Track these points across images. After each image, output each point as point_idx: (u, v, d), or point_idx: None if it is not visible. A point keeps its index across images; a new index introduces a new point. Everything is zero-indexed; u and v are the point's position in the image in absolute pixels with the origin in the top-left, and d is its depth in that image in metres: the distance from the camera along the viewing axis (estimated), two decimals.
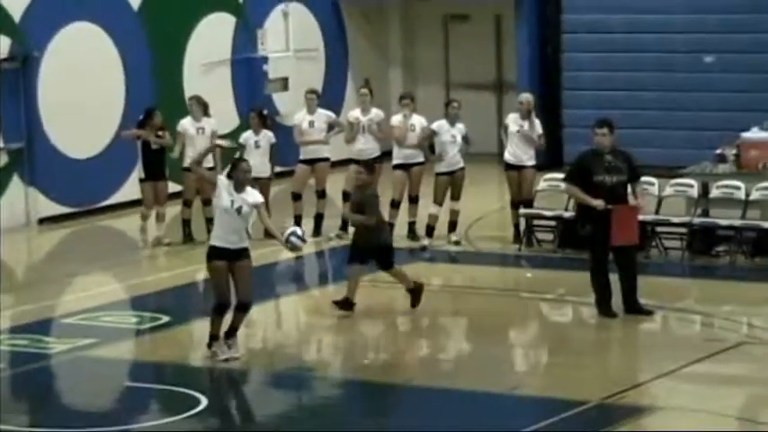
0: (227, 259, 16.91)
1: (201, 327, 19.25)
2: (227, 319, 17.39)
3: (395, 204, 23.59)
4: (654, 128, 30.22)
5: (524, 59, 32.78)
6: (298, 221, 24.07)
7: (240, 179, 17.06)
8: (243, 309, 17.24)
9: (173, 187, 25.23)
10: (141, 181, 24.82)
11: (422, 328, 20.11)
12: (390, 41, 34.99)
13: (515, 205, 24.80)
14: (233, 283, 17.19)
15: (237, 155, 22.75)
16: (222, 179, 16.95)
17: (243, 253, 17.00)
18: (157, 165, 24.65)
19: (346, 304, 18.81)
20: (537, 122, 24.91)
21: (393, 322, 20.02)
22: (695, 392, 17.08)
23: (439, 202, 24.46)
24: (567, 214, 22.71)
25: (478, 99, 32.58)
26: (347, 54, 33.51)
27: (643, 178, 21.61)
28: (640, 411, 16.48)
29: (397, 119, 24.57)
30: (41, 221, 26.84)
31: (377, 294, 20.38)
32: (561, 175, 22.72)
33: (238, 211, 16.38)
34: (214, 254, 16.81)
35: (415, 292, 18.78)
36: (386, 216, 22.16)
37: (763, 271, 23.45)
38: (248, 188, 17.68)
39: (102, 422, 16.06)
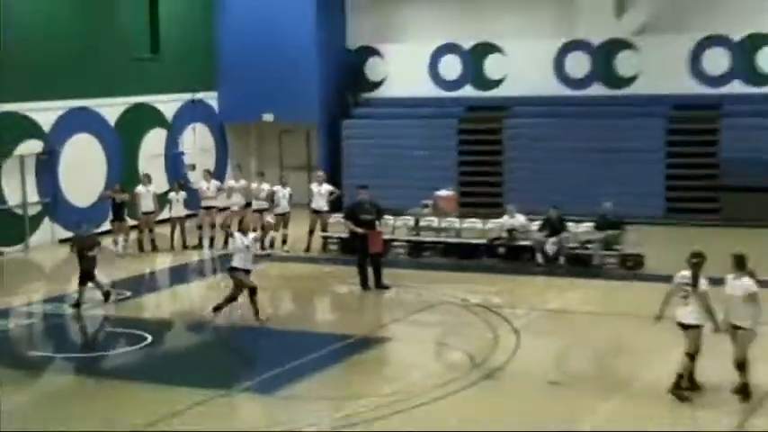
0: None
1: (151, 298, 28.79)
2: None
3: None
4: (391, 187, 36.71)
5: (323, 152, 42.64)
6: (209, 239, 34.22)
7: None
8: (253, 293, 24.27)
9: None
10: (111, 221, 34.00)
11: (267, 298, 26.60)
12: (250, 143, 44.93)
13: (311, 232, 33.89)
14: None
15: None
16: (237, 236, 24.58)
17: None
18: (120, 212, 33.80)
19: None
20: (328, 186, 34.49)
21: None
22: (410, 330, 24.86)
23: (277, 229, 33.50)
24: (345, 235, 31.30)
25: (298, 174, 41.80)
26: (227, 150, 43.56)
27: (385, 216, 30.25)
28: (383, 341, 23.60)
29: (274, 187, 33.97)
30: (60, 241, 35.37)
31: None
32: (341, 215, 30.83)
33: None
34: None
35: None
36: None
37: (448, 265, 31.75)
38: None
39: (86, 350, 24.17)
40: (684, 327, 18.44)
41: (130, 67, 38.51)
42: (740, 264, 18.55)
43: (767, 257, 22.59)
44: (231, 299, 25.04)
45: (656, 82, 39.39)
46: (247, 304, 24.68)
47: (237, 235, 24.88)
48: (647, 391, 19.11)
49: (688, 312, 18.34)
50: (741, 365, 17.96)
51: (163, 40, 39.96)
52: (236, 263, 24.68)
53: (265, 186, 35.43)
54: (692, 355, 18.37)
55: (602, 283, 29.31)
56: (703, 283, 18.42)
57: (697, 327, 18.32)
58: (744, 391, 18.03)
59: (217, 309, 24.96)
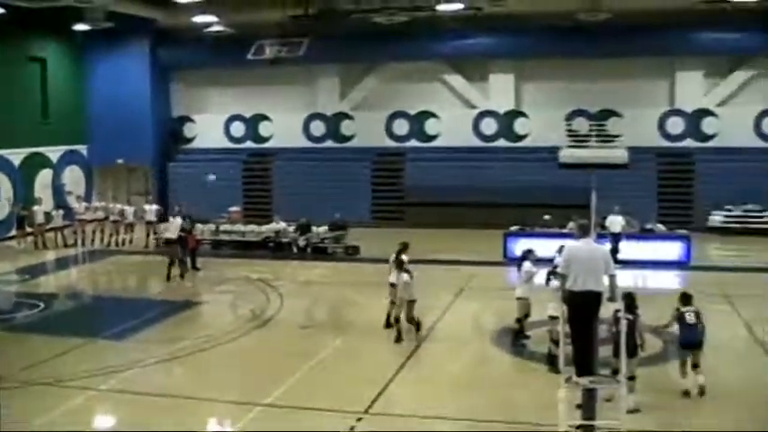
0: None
1: (43, 279, 27.45)
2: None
3: None
4: (201, 205, 33.95)
5: (156, 184, 40.98)
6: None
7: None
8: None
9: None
10: (16, 228, 33.99)
11: (120, 278, 28.38)
12: (108, 178, 41.78)
13: (148, 235, 32.78)
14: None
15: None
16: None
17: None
18: (22, 222, 33.75)
19: None
20: (156, 206, 33.75)
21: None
22: (215, 296, 24.27)
23: (127, 233, 33.53)
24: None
25: (139, 198, 39.45)
26: (92, 182, 40.84)
27: (197, 224, 29.79)
28: (198, 304, 23.50)
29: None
30: None
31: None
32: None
33: None
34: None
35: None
36: None
37: (238, 255, 30.76)
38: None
39: None
40: (393, 285, 18.98)
41: (30, 128, 37.08)
42: (399, 257, 19.17)
43: (434, 245, 23.37)
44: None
45: (365, 139, 40.05)
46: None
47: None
48: (362, 329, 19.71)
49: (395, 277, 18.78)
50: (411, 320, 18.54)
51: (51, 110, 38.73)
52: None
53: (118, 206, 35.19)
54: (393, 302, 18.94)
55: (334, 264, 29.59)
56: (405, 259, 19.03)
57: (394, 285, 18.84)
58: (415, 325, 18.62)
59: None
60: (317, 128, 41.00)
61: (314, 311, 23.04)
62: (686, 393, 14.53)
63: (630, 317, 13.72)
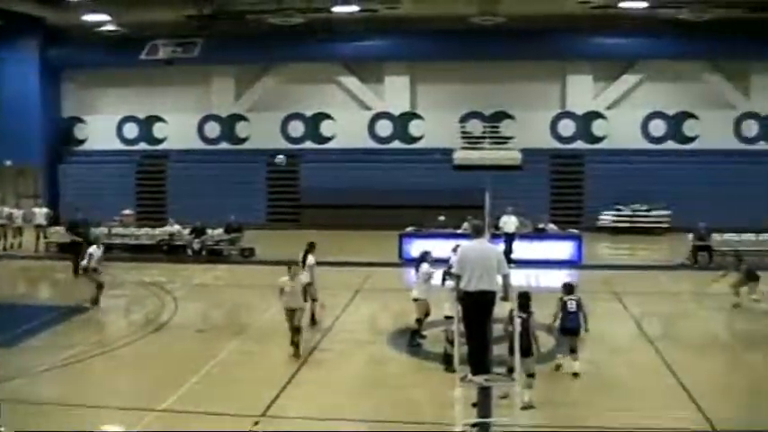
0: None
1: None
2: None
3: None
4: (94, 208, 32.69)
5: (46, 186, 40.04)
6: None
7: None
8: None
9: None
10: None
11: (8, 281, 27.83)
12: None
13: (38, 239, 31.89)
14: None
15: None
16: None
17: None
18: None
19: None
20: (46, 209, 33.61)
21: None
22: (108, 300, 22.56)
23: (14, 237, 32.79)
24: (62, 241, 30.01)
25: (28, 201, 38.78)
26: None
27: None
28: (90, 308, 21.82)
29: None
30: None
31: None
32: (63, 228, 30.52)
33: None
34: None
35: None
36: None
37: (131, 258, 30.27)
38: None
39: None
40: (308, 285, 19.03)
41: None
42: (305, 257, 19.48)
43: (330, 246, 23.42)
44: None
45: (261, 141, 39.86)
46: None
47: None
48: (258, 332, 19.61)
49: (307, 277, 18.76)
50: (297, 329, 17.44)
51: None
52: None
53: (6, 209, 34.24)
54: (315, 299, 19.52)
55: (229, 266, 29.48)
56: (311, 260, 19.42)
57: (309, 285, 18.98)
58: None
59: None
60: (212, 129, 40.72)
61: (210, 315, 22.80)
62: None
63: (524, 315, 14.05)
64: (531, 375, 13.97)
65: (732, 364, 17.30)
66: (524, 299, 14.37)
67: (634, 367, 16.77)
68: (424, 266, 18.12)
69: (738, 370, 16.87)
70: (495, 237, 24.84)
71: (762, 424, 13.42)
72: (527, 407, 13.42)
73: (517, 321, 13.15)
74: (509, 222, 28.29)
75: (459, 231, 26.56)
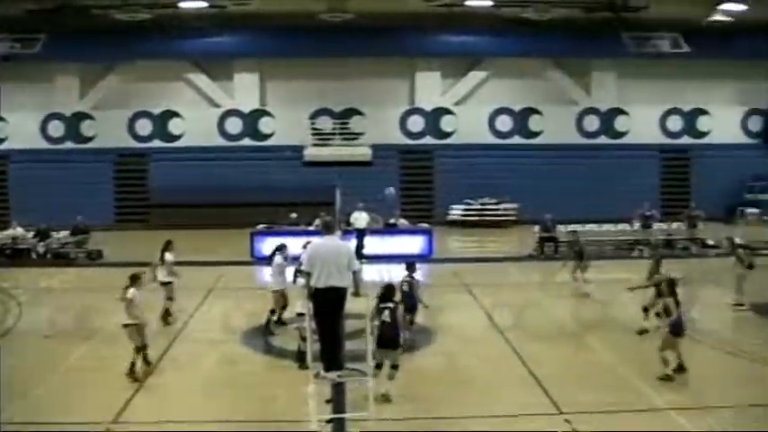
0: None
1: None
2: None
3: None
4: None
5: None
6: None
7: None
8: None
9: None
10: None
11: None
12: None
13: None
14: None
15: None
16: None
17: None
18: None
19: None
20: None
21: None
22: None
23: None
24: None
25: None
26: None
27: None
28: None
29: None
30: None
31: None
32: None
33: None
34: None
35: None
36: None
37: None
38: None
39: None
40: (163, 284, 19.69)
41: None
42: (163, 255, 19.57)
43: (181, 246, 22.93)
44: None
45: (107, 140, 39.09)
46: None
47: None
48: (108, 336, 18.92)
49: (162, 275, 19.18)
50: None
51: None
52: None
53: None
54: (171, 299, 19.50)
55: (77, 270, 28.75)
56: (169, 257, 19.85)
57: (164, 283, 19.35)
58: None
59: None
60: (56, 128, 39.67)
61: (57, 319, 21.62)
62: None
63: (391, 306, 14.41)
64: (394, 367, 14.26)
65: (576, 349, 17.95)
66: (388, 291, 14.69)
67: (486, 358, 17.17)
68: (277, 259, 18.62)
69: (581, 355, 17.58)
70: (346, 233, 25.16)
71: (605, 404, 14.07)
72: (384, 397, 13.76)
73: (386, 313, 13.96)
74: (360, 218, 28.57)
75: (311, 228, 26.68)
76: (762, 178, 38.20)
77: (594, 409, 13.82)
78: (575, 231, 25.33)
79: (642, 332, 18.20)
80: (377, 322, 14.03)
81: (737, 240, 22.53)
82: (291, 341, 17.08)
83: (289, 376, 15.53)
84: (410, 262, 17.82)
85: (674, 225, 31.53)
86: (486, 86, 39.33)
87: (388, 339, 14.20)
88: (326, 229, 12.17)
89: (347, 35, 36.10)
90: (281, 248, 18.91)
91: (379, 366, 13.79)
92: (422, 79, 39.16)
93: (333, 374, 11.40)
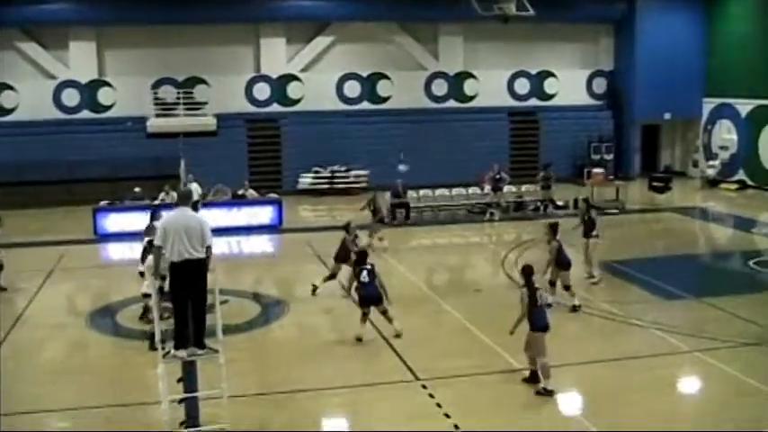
0: None
1: None
2: None
3: None
4: None
5: None
6: None
7: None
8: None
9: None
10: None
11: None
12: None
13: None
14: None
15: None
16: None
17: None
18: None
19: None
20: None
21: None
22: None
23: None
24: None
25: None
26: None
27: None
28: None
29: None
30: None
31: None
32: None
33: None
34: None
35: None
36: None
37: None
38: None
39: None
40: None
41: None
42: None
43: (18, 226, 22.33)
44: None
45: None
46: None
47: None
48: None
49: None
50: None
51: None
52: None
53: None
54: None
55: None
56: None
57: None
58: None
59: None
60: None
61: None
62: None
63: (369, 267, 16.56)
64: (384, 313, 16.38)
65: (430, 315, 18.42)
66: (362, 255, 16.92)
67: (342, 329, 17.33)
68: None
69: (435, 320, 18.08)
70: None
71: (456, 369, 14.58)
72: (398, 335, 16.37)
73: (364, 274, 16.26)
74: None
75: (156, 202, 26.33)
76: (606, 139, 39.45)
77: (444, 375, 14.26)
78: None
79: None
80: (356, 283, 16.53)
81: (587, 200, 22.56)
82: (140, 321, 16.97)
83: (139, 358, 15.38)
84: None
85: (524, 187, 32.30)
86: (333, 52, 39.31)
87: (370, 296, 16.31)
88: (181, 200, 11.96)
89: (189, 1, 35.50)
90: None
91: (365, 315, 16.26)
92: (267, 46, 38.81)
93: (183, 353, 11.32)
